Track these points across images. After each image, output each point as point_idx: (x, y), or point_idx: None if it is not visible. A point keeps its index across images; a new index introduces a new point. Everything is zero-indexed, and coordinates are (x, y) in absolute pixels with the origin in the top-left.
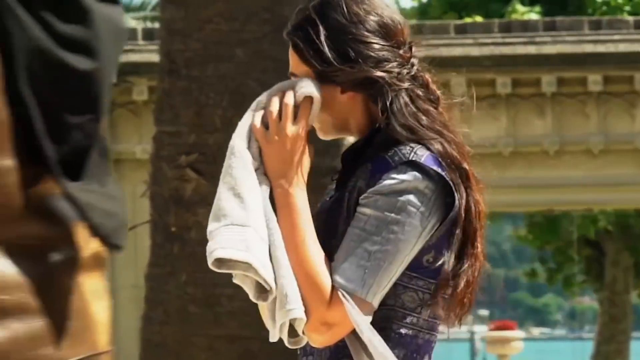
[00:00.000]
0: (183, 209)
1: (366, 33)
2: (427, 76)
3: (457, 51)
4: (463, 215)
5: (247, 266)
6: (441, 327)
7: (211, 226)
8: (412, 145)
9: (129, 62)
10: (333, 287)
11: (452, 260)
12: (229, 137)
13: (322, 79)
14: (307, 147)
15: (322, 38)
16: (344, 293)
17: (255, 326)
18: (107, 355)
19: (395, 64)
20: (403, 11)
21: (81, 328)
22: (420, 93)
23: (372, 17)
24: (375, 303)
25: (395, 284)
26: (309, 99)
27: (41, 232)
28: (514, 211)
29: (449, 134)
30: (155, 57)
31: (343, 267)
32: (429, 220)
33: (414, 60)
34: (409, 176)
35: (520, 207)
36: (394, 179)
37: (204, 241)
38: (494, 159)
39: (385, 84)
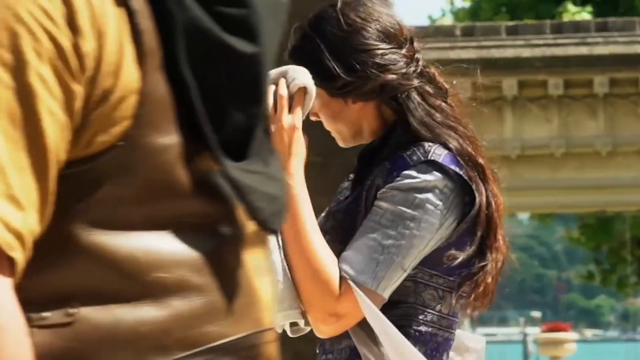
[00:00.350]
0: None
1: (366, 41)
2: (433, 70)
3: (509, 52)
4: (484, 212)
5: None
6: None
7: None
8: (430, 144)
9: None
10: (342, 278)
11: (473, 256)
12: None
13: (331, 94)
14: (302, 138)
15: (324, 55)
16: (354, 285)
17: None
18: (271, 332)
19: (401, 64)
20: (455, 12)
21: (245, 305)
22: (430, 89)
23: (369, 24)
24: (386, 296)
25: (415, 282)
26: (302, 89)
27: (204, 209)
28: (566, 212)
29: (462, 129)
30: None
31: (355, 259)
32: (447, 219)
33: (418, 56)
34: (429, 175)
35: (573, 208)
36: (413, 177)
37: None
38: (546, 160)
39: (394, 87)
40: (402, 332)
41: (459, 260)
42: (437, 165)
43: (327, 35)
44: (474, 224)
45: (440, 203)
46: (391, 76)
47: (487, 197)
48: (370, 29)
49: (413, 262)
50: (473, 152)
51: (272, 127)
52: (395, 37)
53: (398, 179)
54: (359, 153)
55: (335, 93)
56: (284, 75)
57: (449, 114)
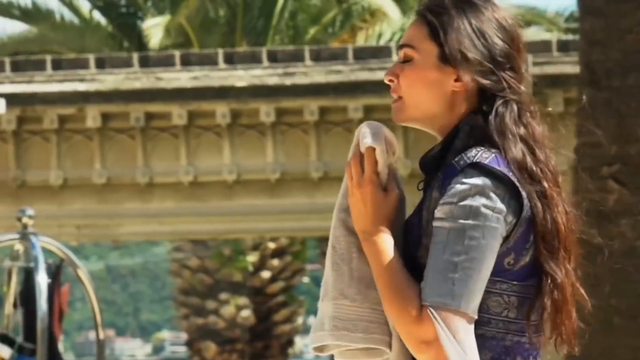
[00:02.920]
0: (605, 221)
1: (500, 42)
2: (528, 94)
3: None
4: (542, 219)
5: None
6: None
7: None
8: (480, 148)
9: (544, 75)
10: (423, 306)
11: (535, 263)
12: None
13: (445, 59)
14: (386, 195)
15: (465, 27)
16: (432, 309)
17: None
18: None
19: (515, 75)
20: None
21: None
22: (526, 107)
23: (506, 31)
24: (472, 312)
25: None
26: (371, 149)
27: None
28: None
29: (539, 152)
30: (570, 69)
31: (431, 284)
32: (507, 219)
33: (525, 80)
34: (477, 179)
35: None
36: (463, 183)
37: (628, 253)
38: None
39: (504, 88)
40: None
41: (520, 263)
42: (483, 168)
43: (471, 16)
44: (529, 227)
45: (495, 205)
46: (505, 75)
47: (544, 216)
48: (505, 34)
49: (488, 271)
50: (538, 173)
51: (353, 189)
52: (519, 53)
53: (449, 188)
54: (420, 160)
55: (448, 58)
56: (358, 134)
57: (533, 133)
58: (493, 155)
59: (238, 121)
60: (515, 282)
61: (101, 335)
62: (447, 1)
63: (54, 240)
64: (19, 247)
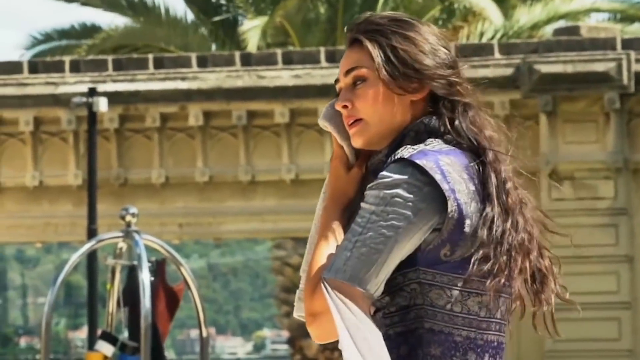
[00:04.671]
0: None
1: (444, 49)
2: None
3: None
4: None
5: None
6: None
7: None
8: (408, 146)
9: None
10: (320, 279)
11: (474, 254)
12: None
13: (398, 73)
14: (347, 171)
15: (411, 40)
16: (325, 281)
17: None
18: None
19: (462, 79)
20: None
21: None
22: (477, 109)
23: (444, 41)
24: (366, 287)
25: (420, 283)
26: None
27: None
28: None
29: (500, 152)
30: None
31: (332, 261)
32: (424, 211)
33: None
34: (397, 173)
35: None
36: (383, 176)
37: None
38: None
39: (455, 92)
40: (415, 335)
41: (458, 256)
42: (407, 162)
43: (405, 37)
44: (461, 220)
45: (411, 196)
46: (459, 80)
47: (495, 212)
48: (444, 56)
49: (390, 253)
50: (502, 169)
51: None
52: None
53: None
54: (367, 164)
55: (408, 72)
56: None
57: (492, 135)
58: (421, 149)
59: None
60: (455, 275)
61: (204, 333)
62: (382, 21)
63: (156, 238)
64: (122, 245)
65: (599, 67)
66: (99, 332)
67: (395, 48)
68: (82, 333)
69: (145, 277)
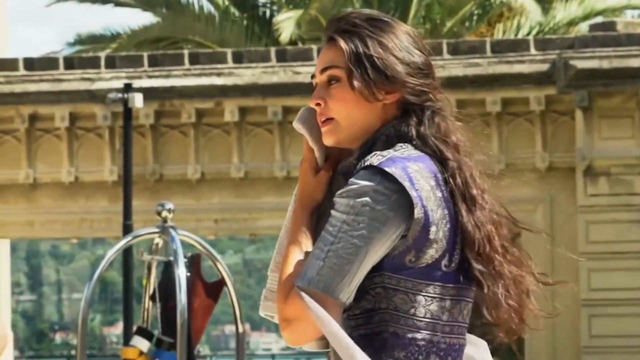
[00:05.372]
0: None
1: (418, 52)
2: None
3: None
4: (463, 220)
5: None
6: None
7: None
8: (377, 152)
9: None
10: (292, 287)
11: (440, 260)
12: None
13: (371, 76)
14: (315, 174)
15: (385, 43)
16: (299, 291)
17: None
18: None
19: (434, 82)
20: None
21: None
22: (446, 113)
23: (418, 43)
24: (337, 297)
25: (385, 288)
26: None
27: None
28: None
29: (466, 158)
30: None
31: (305, 268)
32: (392, 218)
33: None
34: (366, 180)
35: None
36: (352, 183)
37: None
38: None
39: (427, 97)
40: (380, 338)
41: (423, 262)
42: (376, 169)
43: (389, 27)
44: (426, 227)
45: (379, 205)
46: (430, 84)
47: (464, 216)
48: (418, 60)
49: (361, 263)
50: (468, 180)
51: None
52: (432, 75)
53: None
54: (338, 168)
55: (381, 76)
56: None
57: (460, 139)
58: (390, 156)
59: None
60: (420, 281)
61: (240, 329)
62: (359, 21)
63: (192, 234)
64: (158, 240)
65: (635, 62)
66: (135, 327)
67: (369, 54)
68: (117, 329)
69: (181, 273)
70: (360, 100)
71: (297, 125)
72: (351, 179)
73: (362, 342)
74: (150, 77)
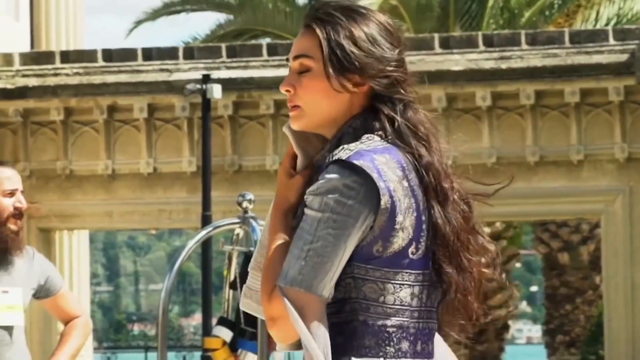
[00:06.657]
0: None
1: (389, 44)
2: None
3: None
4: (434, 213)
5: None
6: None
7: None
8: (346, 146)
9: None
10: (276, 286)
11: (406, 248)
12: None
13: (341, 67)
14: (290, 178)
15: (356, 34)
16: (282, 290)
17: None
18: None
19: (405, 75)
20: None
21: None
22: (416, 105)
23: (392, 35)
24: (321, 293)
25: (354, 278)
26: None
27: None
28: None
29: (436, 148)
30: None
31: (285, 267)
32: (361, 211)
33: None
34: (334, 175)
35: None
36: (323, 178)
37: None
38: None
39: (397, 90)
40: (350, 327)
41: (390, 250)
42: (343, 163)
43: (363, 18)
44: (393, 216)
45: (348, 199)
46: (401, 76)
47: (437, 214)
48: (389, 52)
49: (340, 259)
50: (440, 171)
51: None
52: (405, 68)
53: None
54: (311, 161)
55: (350, 67)
56: None
57: (430, 130)
58: (357, 150)
59: (454, 105)
60: (388, 270)
61: None
62: (333, 10)
63: None
64: (239, 231)
65: None
66: (216, 318)
67: (340, 44)
68: (194, 320)
69: None
70: (329, 90)
71: (285, 129)
72: (321, 174)
73: (334, 330)
74: (228, 68)
